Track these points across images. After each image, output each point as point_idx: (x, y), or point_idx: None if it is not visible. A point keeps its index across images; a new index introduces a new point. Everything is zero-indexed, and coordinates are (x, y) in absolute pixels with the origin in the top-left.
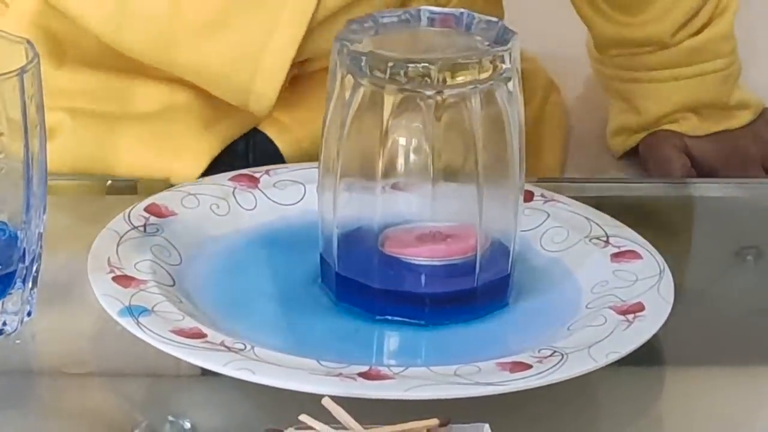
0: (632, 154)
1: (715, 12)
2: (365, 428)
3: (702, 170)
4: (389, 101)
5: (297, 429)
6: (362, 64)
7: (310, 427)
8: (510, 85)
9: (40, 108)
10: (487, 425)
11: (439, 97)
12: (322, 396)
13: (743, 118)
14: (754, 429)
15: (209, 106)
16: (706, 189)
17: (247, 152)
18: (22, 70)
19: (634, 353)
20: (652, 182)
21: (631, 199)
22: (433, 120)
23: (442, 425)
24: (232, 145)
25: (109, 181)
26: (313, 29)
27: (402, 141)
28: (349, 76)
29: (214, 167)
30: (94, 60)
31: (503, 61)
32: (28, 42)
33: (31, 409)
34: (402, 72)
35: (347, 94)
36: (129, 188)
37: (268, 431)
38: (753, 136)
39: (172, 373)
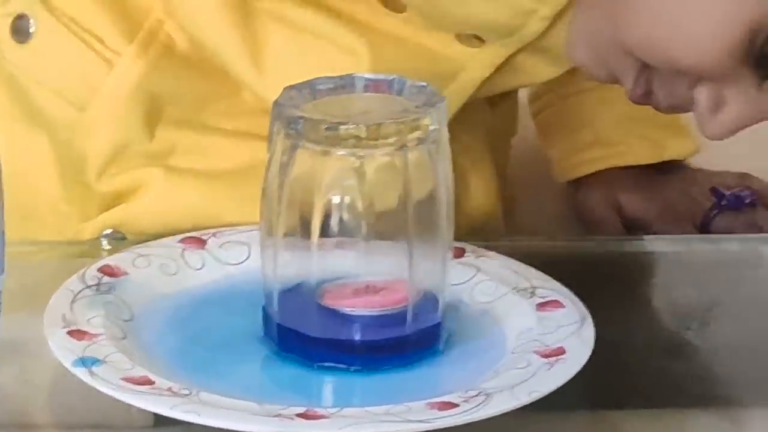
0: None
1: None
2: None
3: (634, 226)
4: (324, 162)
5: None
6: (299, 127)
7: None
8: (437, 145)
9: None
10: None
11: (370, 156)
12: None
13: (689, 146)
14: None
15: None
16: (636, 245)
17: None
18: None
19: (558, 396)
20: (584, 240)
21: (565, 255)
22: (365, 179)
23: None
24: None
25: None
26: None
27: (336, 200)
28: (287, 139)
29: None
30: (189, 118)
31: (431, 123)
32: None
33: None
34: (336, 134)
35: (285, 157)
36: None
37: None
38: (684, 196)
39: (125, 424)
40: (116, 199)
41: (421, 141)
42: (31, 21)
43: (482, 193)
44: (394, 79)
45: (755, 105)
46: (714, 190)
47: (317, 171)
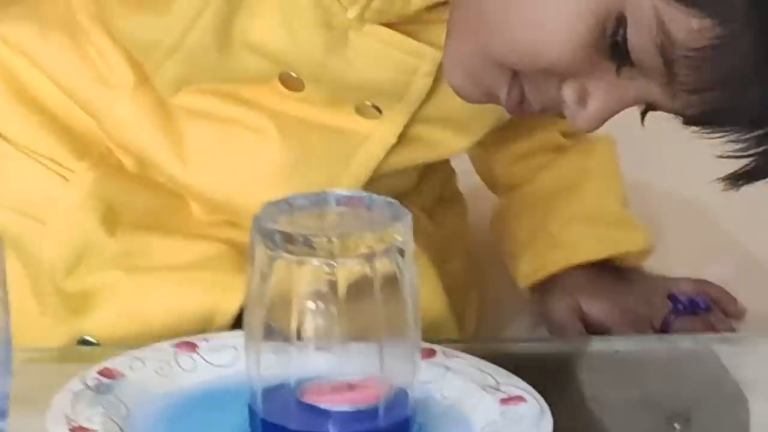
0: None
1: (598, 140)
2: None
3: (596, 330)
4: (300, 271)
5: None
6: (276, 239)
7: None
8: (403, 255)
9: (3, 284)
10: None
11: (342, 266)
12: None
13: (639, 240)
14: None
15: (240, 252)
16: (597, 344)
17: None
18: None
19: None
20: (547, 341)
21: (528, 355)
22: (338, 286)
23: None
24: None
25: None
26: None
27: (311, 306)
28: (266, 250)
29: None
30: (144, 223)
31: (397, 234)
32: None
33: None
34: (310, 245)
35: (264, 267)
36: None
37: None
38: (644, 301)
39: None
40: (85, 299)
41: (388, 251)
42: None
43: (427, 300)
44: (364, 196)
45: (616, 93)
46: (671, 296)
47: (294, 280)
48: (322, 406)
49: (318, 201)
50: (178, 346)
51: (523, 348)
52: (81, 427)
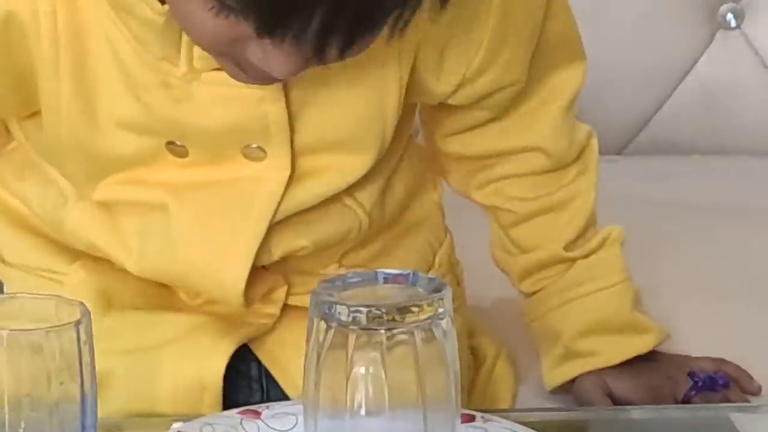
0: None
1: (606, 241)
2: None
3: (621, 403)
4: (352, 340)
5: None
6: (332, 310)
7: None
8: (444, 323)
9: (92, 353)
10: None
11: (390, 335)
12: None
13: (649, 340)
14: None
15: (222, 320)
16: (621, 413)
17: (260, 378)
18: (78, 323)
19: None
20: (578, 410)
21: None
22: (386, 353)
23: None
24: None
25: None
26: (274, 230)
27: (362, 371)
28: (322, 321)
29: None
30: (134, 304)
31: (439, 305)
32: (82, 304)
33: None
34: (361, 316)
35: (320, 336)
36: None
37: None
38: (666, 379)
39: None
40: None
41: (431, 321)
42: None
43: None
44: (409, 273)
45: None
46: (691, 374)
47: (346, 347)
48: None
49: (368, 278)
50: (243, 413)
51: (551, 416)
52: None
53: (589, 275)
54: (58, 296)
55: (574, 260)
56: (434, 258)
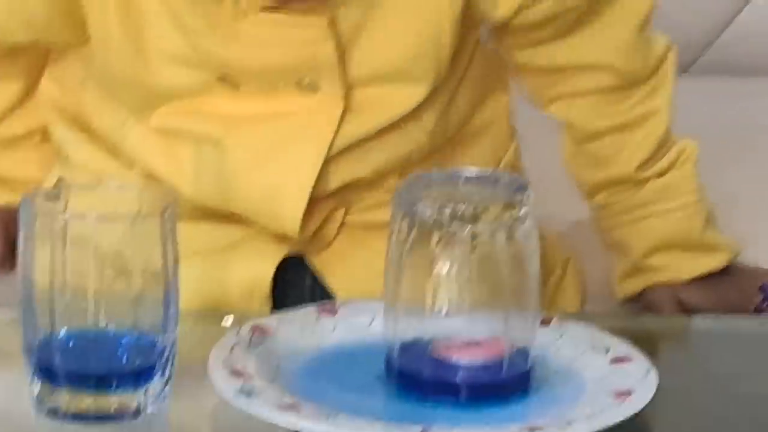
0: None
1: (678, 160)
2: None
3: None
4: (435, 238)
5: None
6: (415, 207)
7: None
8: (527, 224)
9: (175, 244)
10: None
11: (473, 234)
12: None
13: (719, 259)
14: None
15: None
16: (694, 322)
17: (313, 289)
18: (164, 210)
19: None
20: (650, 317)
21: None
22: (469, 252)
23: None
24: (299, 291)
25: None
26: (330, 163)
27: (445, 270)
28: (405, 220)
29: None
30: (188, 215)
31: (522, 205)
32: (168, 191)
33: None
34: (445, 214)
35: (403, 235)
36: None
37: None
38: (737, 291)
39: None
40: None
41: (514, 222)
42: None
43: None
44: (491, 172)
45: None
46: (763, 287)
47: (429, 246)
48: (453, 359)
49: (450, 176)
50: (320, 309)
51: (624, 321)
52: (238, 371)
53: (661, 195)
54: (143, 183)
55: (646, 180)
56: (499, 165)
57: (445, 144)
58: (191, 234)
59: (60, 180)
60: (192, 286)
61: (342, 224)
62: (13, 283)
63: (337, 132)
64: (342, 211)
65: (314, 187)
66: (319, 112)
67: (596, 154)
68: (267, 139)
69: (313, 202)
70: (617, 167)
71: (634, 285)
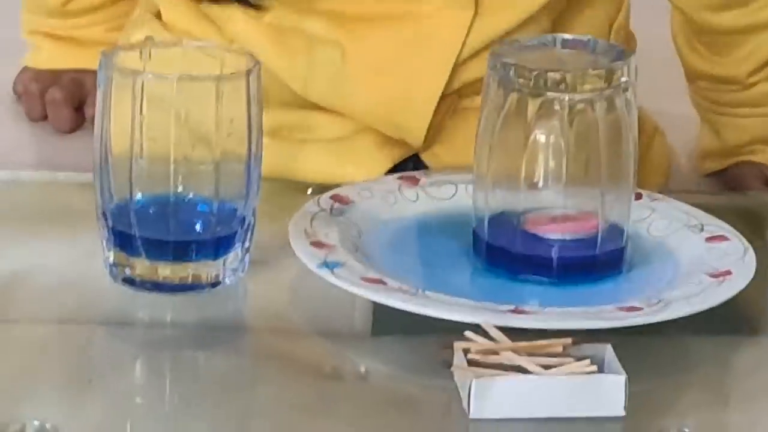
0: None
1: None
2: (514, 343)
3: None
4: (532, 106)
5: (463, 342)
6: (511, 74)
7: (473, 341)
8: (628, 94)
9: (260, 108)
10: (609, 345)
11: (571, 102)
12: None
13: None
14: None
15: (379, 134)
16: None
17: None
18: (248, 72)
19: (725, 320)
20: (743, 194)
21: (724, 207)
22: (567, 121)
23: (574, 344)
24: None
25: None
26: (458, 67)
27: (542, 139)
28: (500, 86)
29: None
30: (290, 102)
31: (623, 74)
32: (251, 54)
33: (238, 351)
34: (542, 80)
35: (498, 101)
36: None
37: (446, 344)
38: None
39: (348, 331)
40: None
41: (614, 90)
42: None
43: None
44: (589, 39)
45: None
46: None
47: (525, 113)
48: (545, 234)
49: (546, 41)
50: (401, 179)
51: (716, 200)
52: (320, 242)
53: (765, 101)
54: (226, 45)
55: (755, 84)
56: (610, 29)
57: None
58: (301, 120)
59: (146, 39)
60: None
61: (454, 110)
62: (88, 146)
63: (467, 36)
64: (456, 100)
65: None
66: (448, 15)
67: (710, 48)
68: (391, 44)
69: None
70: (728, 67)
71: (722, 163)
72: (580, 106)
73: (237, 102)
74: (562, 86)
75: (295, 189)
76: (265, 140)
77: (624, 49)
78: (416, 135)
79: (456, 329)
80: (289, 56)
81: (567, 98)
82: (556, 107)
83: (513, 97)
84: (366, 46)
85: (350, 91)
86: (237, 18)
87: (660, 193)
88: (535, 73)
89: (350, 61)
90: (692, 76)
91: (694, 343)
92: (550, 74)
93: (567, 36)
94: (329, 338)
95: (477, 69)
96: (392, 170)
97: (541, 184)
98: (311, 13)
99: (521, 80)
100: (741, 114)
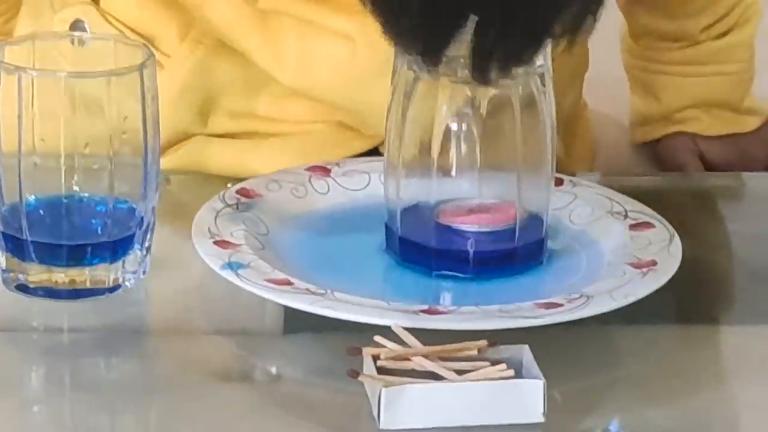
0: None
1: (739, 20)
2: (426, 347)
3: (713, 169)
4: (443, 93)
5: (372, 348)
6: (420, 59)
7: (383, 346)
8: (543, 79)
9: (156, 101)
10: (526, 346)
11: (484, 88)
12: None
13: (752, 123)
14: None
15: (342, 129)
16: (714, 179)
17: None
18: (141, 66)
19: (648, 308)
20: (670, 175)
21: (651, 189)
22: (479, 106)
23: (490, 346)
24: None
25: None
26: None
27: (454, 127)
28: (409, 71)
29: None
30: (240, 109)
31: (538, 58)
32: (145, 45)
33: (142, 356)
34: (454, 66)
35: (407, 86)
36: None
37: (350, 350)
38: (760, 143)
39: (258, 330)
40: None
41: (528, 75)
42: (87, 26)
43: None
44: None
45: None
46: None
47: (436, 100)
48: (460, 226)
49: None
50: (311, 169)
51: (644, 182)
52: (225, 241)
53: (713, 58)
54: (120, 35)
55: (703, 41)
56: None
57: None
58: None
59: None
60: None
61: None
62: None
63: None
64: None
65: None
66: None
67: (666, 3)
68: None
69: None
70: (678, 23)
71: (656, 132)
72: (494, 90)
73: (131, 97)
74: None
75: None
76: (217, 139)
77: None
78: None
79: (370, 329)
80: (275, 43)
81: (478, 84)
82: (468, 93)
83: (422, 83)
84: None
85: (357, 91)
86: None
87: (588, 173)
88: (445, 58)
89: (362, 59)
90: (638, 32)
91: (619, 334)
92: (462, 59)
93: None
94: (239, 339)
95: None
96: None
97: (454, 173)
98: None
99: (431, 66)
100: (685, 73)
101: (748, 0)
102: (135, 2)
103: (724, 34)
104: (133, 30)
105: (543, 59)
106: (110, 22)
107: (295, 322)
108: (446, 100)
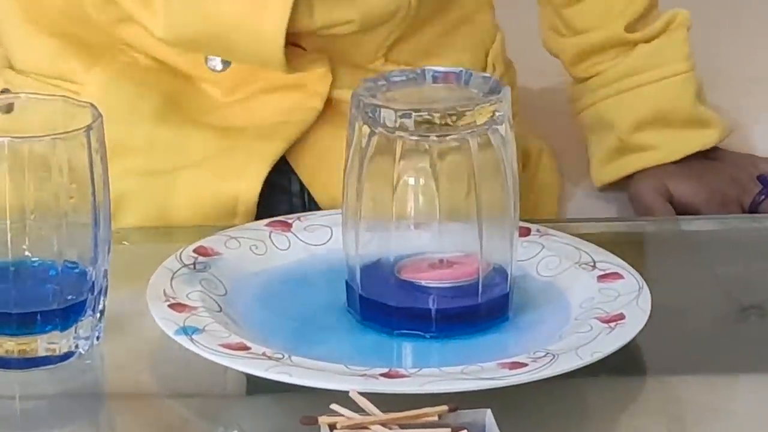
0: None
1: (669, 26)
2: (385, 414)
3: (685, 211)
4: (399, 147)
5: (329, 416)
6: (376, 114)
7: (340, 414)
8: (503, 129)
9: (104, 161)
10: (489, 410)
11: (441, 141)
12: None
13: (710, 136)
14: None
15: (257, 133)
16: (685, 224)
17: (301, 194)
18: (88, 128)
19: (616, 361)
20: (638, 220)
21: (620, 235)
22: (437, 162)
23: (451, 411)
24: (280, 193)
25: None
26: None
27: (411, 182)
28: (365, 126)
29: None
30: (158, 117)
31: (497, 109)
32: (92, 105)
33: (99, 424)
34: (409, 121)
35: (363, 143)
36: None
37: (304, 419)
38: (732, 181)
39: (220, 392)
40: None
41: (487, 126)
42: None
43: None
44: (461, 71)
45: None
46: (761, 177)
47: (393, 155)
48: (421, 282)
49: (416, 76)
50: (272, 225)
51: (610, 227)
52: (180, 304)
53: (651, 62)
54: (66, 97)
55: (635, 43)
56: (486, 57)
57: (431, 23)
58: (155, 146)
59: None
60: (150, 204)
61: (327, 106)
62: None
63: None
64: (328, 81)
65: (298, 19)
66: None
67: (581, 16)
68: None
69: (297, 52)
70: (603, 29)
71: (618, 169)
72: (452, 144)
73: (77, 160)
74: (431, 126)
75: (167, 239)
76: (134, 182)
77: (498, 81)
78: (273, 48)
79: (330, 392)
80: None
81: (434, 138)
82: (425, 148)
83: (378, 138)
84: None
85: (208, 9)
86: None
87: (554, 219)
88: (400, 113)
89: None
90: (573, 61)
91: (585, 388)
92: (418, 114)
93: (438, 69)
94: (198, 403)
95: (337, 4)
96: (269, 183)
97: (413, 227)
98: None
99: (387, 121)
100: (626, 87)
101: (671, 11)
102: (41, 48)
103: (654, 38)
104: (45, 75)
105: (504, 108)
106: (26, 75)
107: (257, 382)
108: (402, 155)
